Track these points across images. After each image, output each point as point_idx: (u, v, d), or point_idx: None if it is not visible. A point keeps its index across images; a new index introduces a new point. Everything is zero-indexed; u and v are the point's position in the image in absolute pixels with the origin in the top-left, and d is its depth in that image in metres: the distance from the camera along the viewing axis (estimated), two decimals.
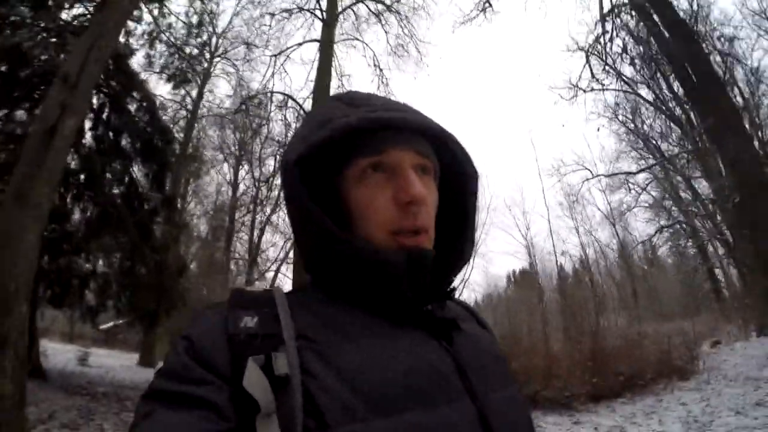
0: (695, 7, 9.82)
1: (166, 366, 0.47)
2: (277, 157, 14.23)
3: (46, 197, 3.67)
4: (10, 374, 3.23)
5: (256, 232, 18.44)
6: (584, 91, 11.49)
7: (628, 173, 16.47)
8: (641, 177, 16.48)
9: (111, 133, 7.03)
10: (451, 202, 0.64)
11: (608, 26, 9.86)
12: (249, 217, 19.11)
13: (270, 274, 17.61)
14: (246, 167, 19.24)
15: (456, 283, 0.64)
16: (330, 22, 11.85)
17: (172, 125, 12.68)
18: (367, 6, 12.82)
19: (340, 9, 12.28)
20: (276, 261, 17.26)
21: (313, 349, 0.47)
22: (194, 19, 11.54)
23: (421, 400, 0.47)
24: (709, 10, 12.98)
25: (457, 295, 0.64)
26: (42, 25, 6.38)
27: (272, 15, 11.85)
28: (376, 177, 0.56)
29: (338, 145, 0.56)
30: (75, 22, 7.11)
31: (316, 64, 11.39)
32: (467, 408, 0.49)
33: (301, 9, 12.15)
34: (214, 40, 15.73)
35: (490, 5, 12.90)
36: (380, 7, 12.83)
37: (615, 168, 17.03)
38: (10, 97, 5.70)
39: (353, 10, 12.79)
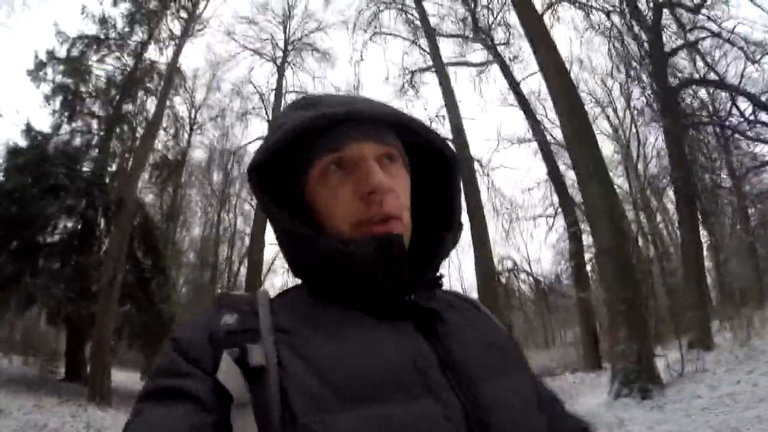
0: None
1: (155, 366, 0.56)
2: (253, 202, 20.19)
3: (114, 309, 10.13)
4: (107, 383, 9.63)
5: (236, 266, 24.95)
6: None
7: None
8: None
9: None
10: (435, 189, 0.72)
11: None
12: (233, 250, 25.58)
13: None
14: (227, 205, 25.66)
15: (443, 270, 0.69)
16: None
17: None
18: None
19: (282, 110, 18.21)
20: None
21: (288, 342, 0.54)
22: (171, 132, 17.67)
23: (393, 393, 0.51)
24: None
25: None
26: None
27: (227, 129, 17.81)
28: (338, 174, 0.63)
29: (299, 148, 0.64)
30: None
31: None
32: (449, 401, 0.53)
33: (249, 112, 18.49)
34: (192, 112, 21.83)
35: (413, 86, 18.51)
36: None
37: None
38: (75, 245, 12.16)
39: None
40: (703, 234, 19.89)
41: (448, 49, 16.93)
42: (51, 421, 7.52)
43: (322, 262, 0.61)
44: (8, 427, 6.78)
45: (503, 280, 14.43)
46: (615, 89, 17.46)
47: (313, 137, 0.63)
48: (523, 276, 15.08)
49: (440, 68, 14.54)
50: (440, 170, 0.71)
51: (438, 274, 0.68)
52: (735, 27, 14.45)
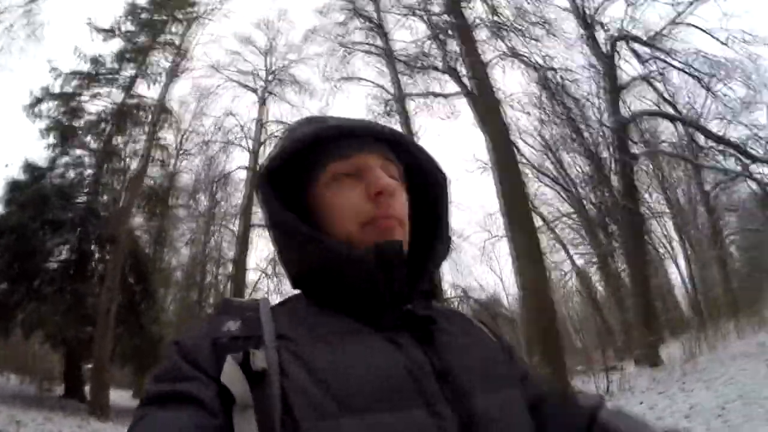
0: None
1: (157, 370, 0.58)
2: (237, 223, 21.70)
3: (111, 334, 12.03)
4: (105, 399, 11.47)
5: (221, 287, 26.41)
6: None
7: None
8: None
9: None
10: (423, 210, 0.77)
11: None
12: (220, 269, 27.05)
13: None
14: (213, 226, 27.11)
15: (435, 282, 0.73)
16: (255, 151, 19.70)
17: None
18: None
19: (262, 140, 20.03)
20: None
21: (289, 349, 0.57)
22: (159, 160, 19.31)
23: (391, 402, 0.55)
24: None
25: None
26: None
27: (211, 158, 19.58)
28: (347, 180, 0.69)
29: (308, 157, 0.71)
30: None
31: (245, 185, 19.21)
32: (444, 412, 0.56)
33: (230, 143, 20.21)
34: (179, 138, 23.32)
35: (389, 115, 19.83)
36: None
37: None
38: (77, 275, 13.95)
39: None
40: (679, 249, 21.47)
41: (421, 85, 18.18)
42: (63, 430, 9.23)
43: (325, 265, 0.65)
44: None
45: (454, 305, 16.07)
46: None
47: (323, 149, 0.70)
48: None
49: (402, 105, 15.95)
50: (423, 189, 0.77)
51: (432, 285, 0.73)
52: (691, 59, 15.70)
